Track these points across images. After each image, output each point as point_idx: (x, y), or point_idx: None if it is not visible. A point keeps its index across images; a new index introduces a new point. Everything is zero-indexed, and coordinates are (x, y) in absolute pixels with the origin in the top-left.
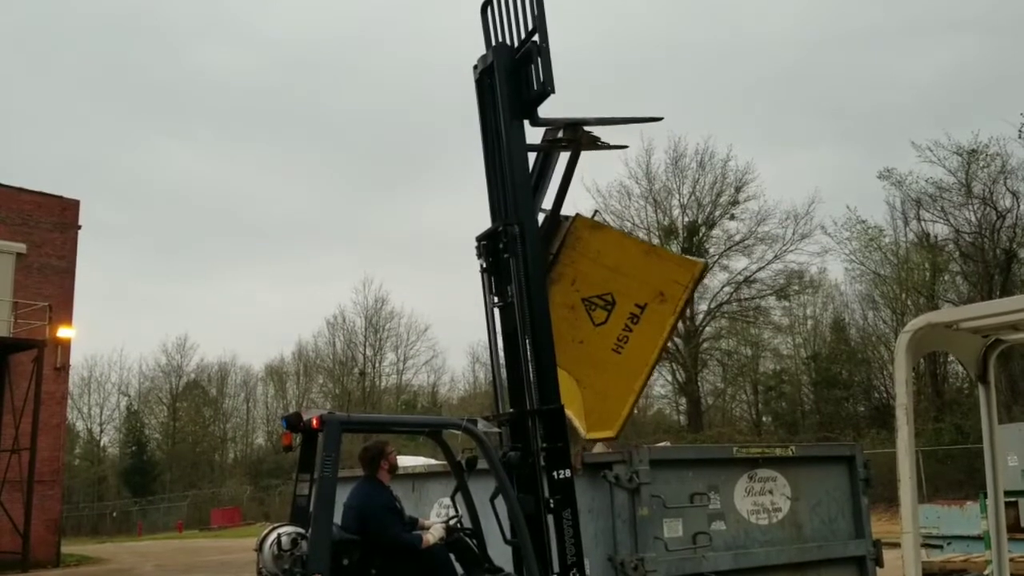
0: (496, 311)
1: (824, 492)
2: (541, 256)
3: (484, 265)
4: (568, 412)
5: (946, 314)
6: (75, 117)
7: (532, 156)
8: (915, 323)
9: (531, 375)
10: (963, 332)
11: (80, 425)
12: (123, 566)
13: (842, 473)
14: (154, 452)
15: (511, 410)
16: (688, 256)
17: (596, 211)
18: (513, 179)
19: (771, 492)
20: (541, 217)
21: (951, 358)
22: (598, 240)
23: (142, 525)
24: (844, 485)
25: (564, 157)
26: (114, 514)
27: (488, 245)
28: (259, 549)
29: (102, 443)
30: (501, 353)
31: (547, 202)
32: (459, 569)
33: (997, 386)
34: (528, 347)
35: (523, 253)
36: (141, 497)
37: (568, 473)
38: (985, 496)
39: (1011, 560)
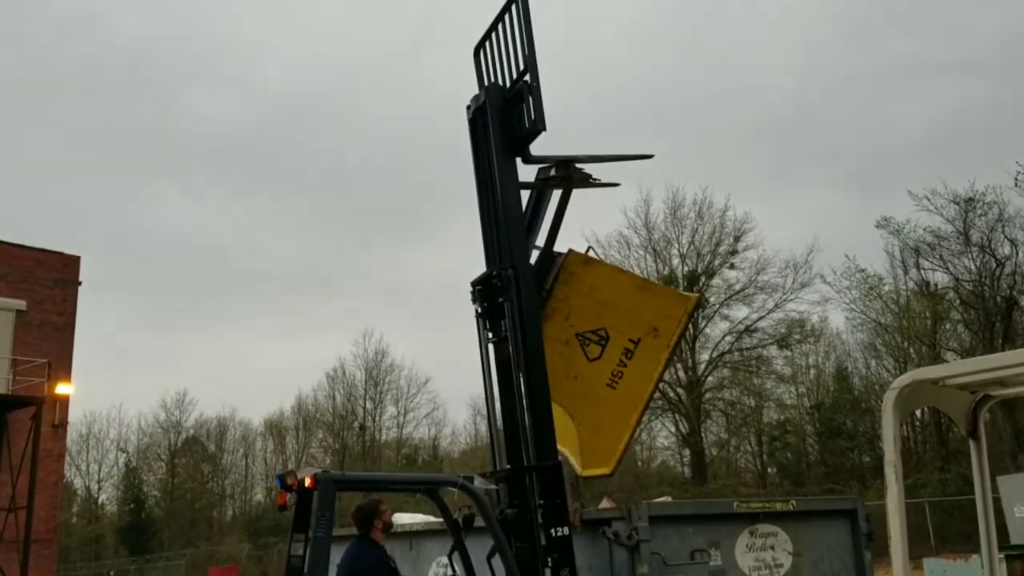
0: (491, 354)
1: (826, 547)
2: (535, 299)
3: (479, 310)
4: (563, 449)
5: (933, 371)
6: (65, 169)
7: (526, 195)
8: (901, 380)
9: (527, 421)
10: (951, 388)
11: (78, 482)
12: None
13: (844, 527)
14: (152, 509)
15: (508, 466)
16: (681, 291)
17: (589, 247)
18: (506, 217)
19: (772, 548)
20: (535, 254)
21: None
22: (591, 275)
23: None
24: (846, 539)
25: (557, 195)
26: (111, 573)
27: (483, 290)
28: None
29: (100, 500)
30: (498, 405)
31: (541, 239)
32: None
33: (1002, 436)
34: (523, 387)
35: (517, 296)
36: (139, 556)
37: (566, 531)
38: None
39: None
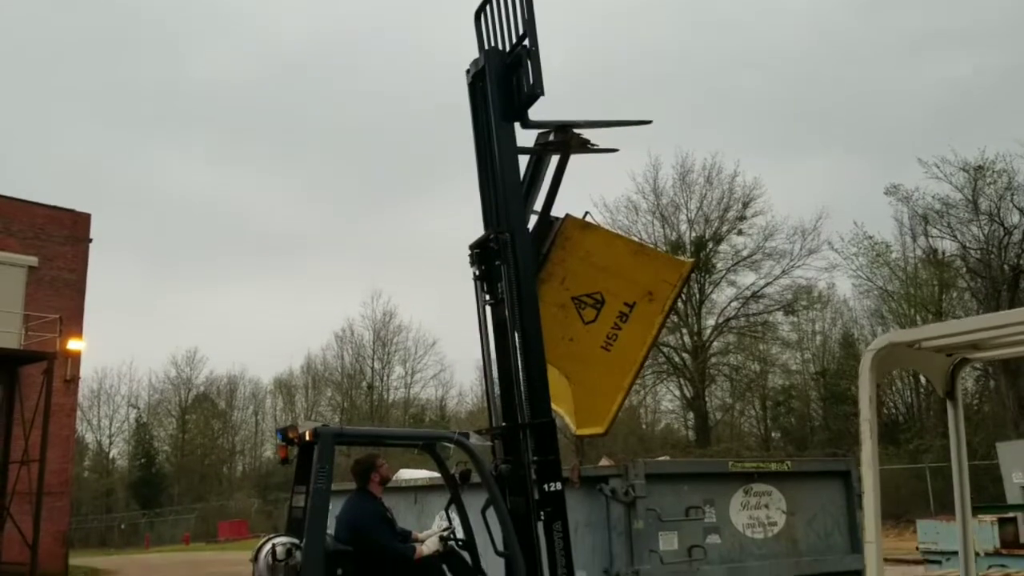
0: (488, 316)
1: (819, 507)
2: (532, 263)
3: (477, 272)
4: (558, 409)
5: (908, 334)
6: (76, 128)
7: (524, 160)
8: (878, 342)
9: (521, 381)
10: (927, 351)
11: (89, 437)
12: None
13: (837, 488)
14: (163, 464)
15: (503, 423)
16: (676, 256)
17: (587, 212)
18: (504, 182)
19: (767, 506)
20: (533, 219)
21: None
22: (588, 240)
23: (149, 537)
24: (839, 500)
25: (555, 160)
26: (122, 526)
27: (480, 253)
28: (255, 560)
29: (111, 455)
30: (495, 365)
31: (539, 204)
32: None
33: (1005, 403)
34: (518, 349)
35: (514, 260)
36: (149, 509)
37: (559, 486)
38: (983, 512)
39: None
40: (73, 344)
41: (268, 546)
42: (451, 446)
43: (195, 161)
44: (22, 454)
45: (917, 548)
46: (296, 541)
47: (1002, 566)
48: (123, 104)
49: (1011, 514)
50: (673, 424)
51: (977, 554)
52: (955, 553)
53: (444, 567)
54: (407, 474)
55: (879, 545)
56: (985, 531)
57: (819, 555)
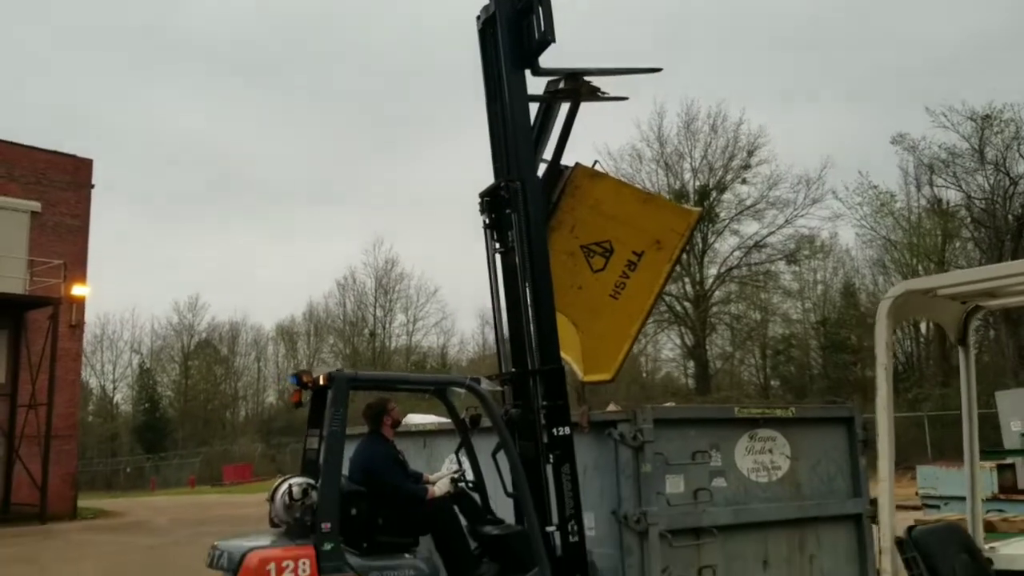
0: (499, 264)
1: (823, 452)
2: (542, 211)
3: (487, 221)
4: (566, 356)
5: (925, 282)
6: (75, 73)
7: (534, 108)
8: (895, 290)
9: (531, 329)
10: (942, 299)
11: (93, 382)
12: (138, 519)
13: (841, 434)
14: (166, 409)
15: (513, 370)
16: (684, 205)
17: (596, 161)
18: (515, 130)
19: (771, 451)
20: (542, 167)
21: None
22: (597, 189)
23: (155, 481)
24: (843, 446)
25: (565, 108)
26: (127, 470)
27: (490, 201)
28: (271, 499)
29: (115, 400)
30: (504, 313)
31: (548, 152)
32: (463, 520)
33: (1005, 352)
34: (528, 297)
35: (524, 208)
36: (154, 453)
37: (567, 430)
38: (981, 458)
39: (1007, 520)
40: (77, 290)
41: (284, 486)
42: (461, 391)
43: (196, 108)
44: (29, 398)
45: (916, 493)
46: (311, 481)
47: (1000, 511)
48: (122, 49)
49: (1009, 460)
50: (673, 372)
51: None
52: (954, 498)
53: (455, 507)
54: (415, 419)
55: (891, 483)
56: (984, 477)
57: (822, 499)
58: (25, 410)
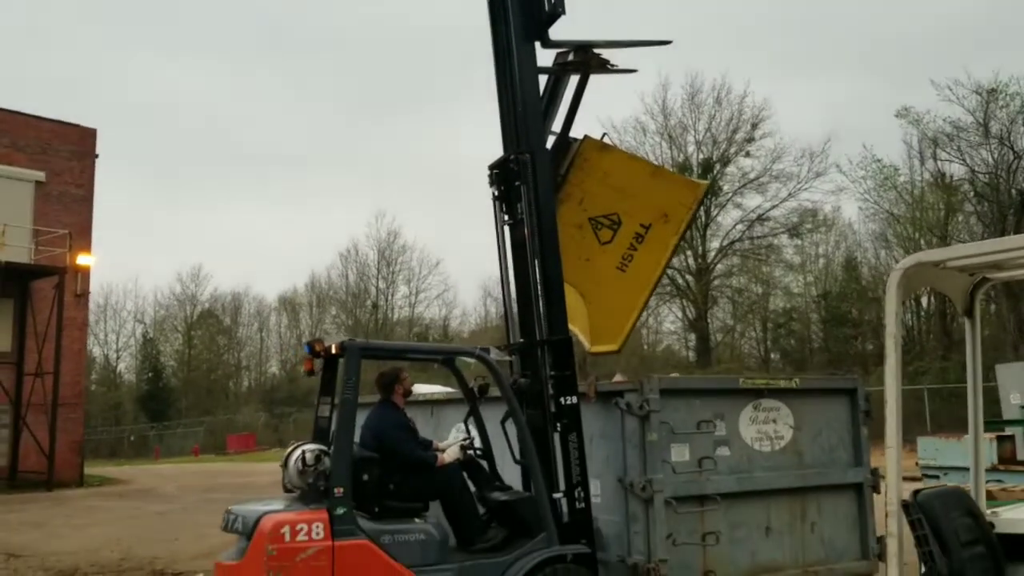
0: (507, 236)
1: (825, 423)
2: (550, 183)
3: (496, 193)
4: (573, 327)
5: (935, 254)
6: (76, 42)
7: (543, 80)
8: (906, 261)
9: (540, 300)
10: (951, 271)
11: (97, 352)
12: (144, 487)
13: (844, 405)
14: (170, 379)
15: (521, 340)
16: (692, 178)
17: (605, 133)
18: (524, 102)
19: (775, 421)
20: (551, 140)
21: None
22: (606, 161)
23: (159, 449)
24: (845, 416)
25: (574, 81)
26: (131, 438)
27: (500, 174)
28: (284, 465)
29: (119, 369)
30: (513, 284)
31: (557, 125)
32: (471, 487)
33: (1006, 327)
34: (536, 268)
35: (533, 181)
36: (157, 422)
37: (575, 399)
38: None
39: (1005, 490)
40: (82, 259)
41: (298, 452)
42: (470, 361)
43: (198, 77)
44: (36, 367)
45: (917, 464)
46: (324, 448)
47: (999, 481)
48: (123, 19)
49: (1009, 431)
50: (674, 345)
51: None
52: (953, 469)
53: (464, 474)
54: (421, 388)
55: (899, 449)
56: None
57: (823, 468)
58: (31, 379)
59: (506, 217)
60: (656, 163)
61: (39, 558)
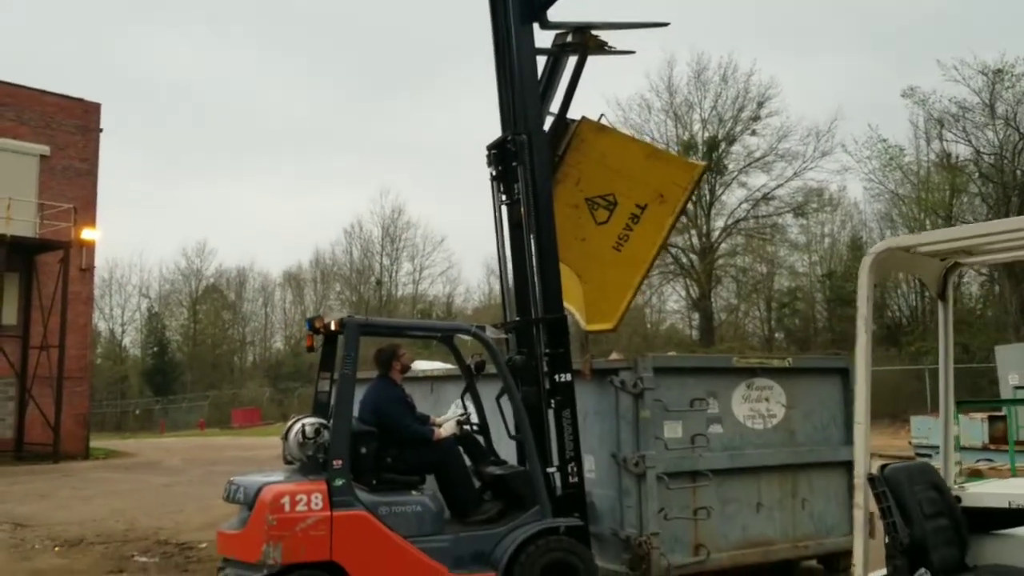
0: (504, 215)
1: (818, 401)
2: (547, 164)
3: (494, 173)
4: (569, 306)
5: (906, 240)
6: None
7: (542, 62)
8: (878, 247)
9: (535, 279)
10: (923, 256)
11: (102, 326)
12: (150, 459)
13: (836, 384)
14: (175, 353)
15: (517, 318)
16: (689, 159)
17: (602, 115)
18: (522, 83)
19: (767, 400)
20: (549, 120)
21: (965, 280)
22: (603, 142)
23: (164, 423)
24: (837, 395)
25: (573, 62)
26: (137, 412)
27: (497, 154)
28: (285, 438)
29: (124, 344)
30: (510, 263)
31: (556, 106)
32: (467, 461)
33: (1008, 308)
34: (533, 247)
35: (530, 161)
36: (163, 396)
37: (569, 377)
38: (973, 409)
39: (995, 468)
40: (87, 234)
41: (298, 425)
42: (467, 338)
43: (203, 52)
44: (41, 340)
45: (910, 443)
46: (323, 421)
47: (989, 460)
48: None
49: (1001, 412)
50: (678, 324)
51: (967, 448)
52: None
53: (460, 448)
54: (421, 365)
55: (867, 426)
56: (975, 427)
57: (815, 446)
58: (37, 352)
59: (503, 197)
60: (658, 142)
61: (45, 528)
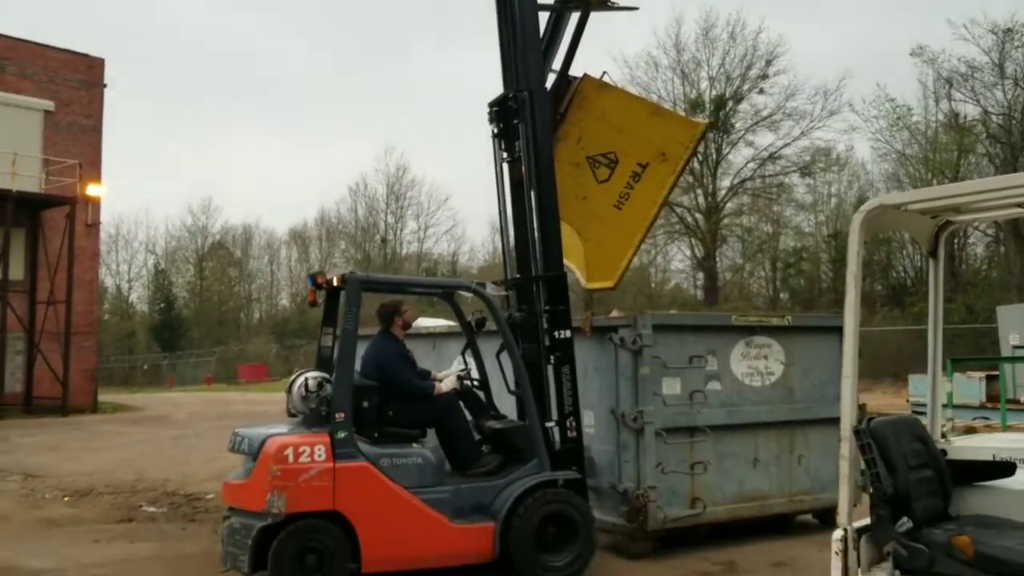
0: (506, 173)
1: (816, 359)
2: (548, 122)
3: (495, 131)
4: (570, 263)
5: (896, 197)
6: None
7: (544, 19)
8: (868, 204)
9: (535, 236)
10: (914, 214)
11: (109, 281)
12: (158, 413)
13: (834, 342)
14: (182, 310)
15: (518, 276)
16: (692, 117)
17: (604, 72)
18: (524, 40)
19: (766, 357)
20: (552, 78)
21: (971, 240)
22: (605, 100)
23: (172, 378)
24: (835, 353)
25: (575, 19)
26: (145, 367)
27: (499, 111)
28: (288, 391)
29: (131, 299)
30: (511, 221)
31: (558, 63)
32: (468, 415)
33: (1012, 269)
34: (533, 205)
35: (531, 119)
36: (170, 352)
37: (568, 333)
38: (958, 365)
39: (989, 426)
40: (92, 189)
41: (301, 379)
42: (468, 295)
43: (206, 7)
44: (48, 295)
45: (907, 401)
46: (326, 375)
47: (985, 418)
48: None
49: (997, 372)
50: (682, 284)
51: (965, 406)
52: (943, 406)
53: (460, 403)
54: (425, 322)
55: (854, 380)
56: (972, 386)
57: (812, 403)
58: (44, 307)
59: (504, 155)
60: (665, 101)
61: (55, 479)
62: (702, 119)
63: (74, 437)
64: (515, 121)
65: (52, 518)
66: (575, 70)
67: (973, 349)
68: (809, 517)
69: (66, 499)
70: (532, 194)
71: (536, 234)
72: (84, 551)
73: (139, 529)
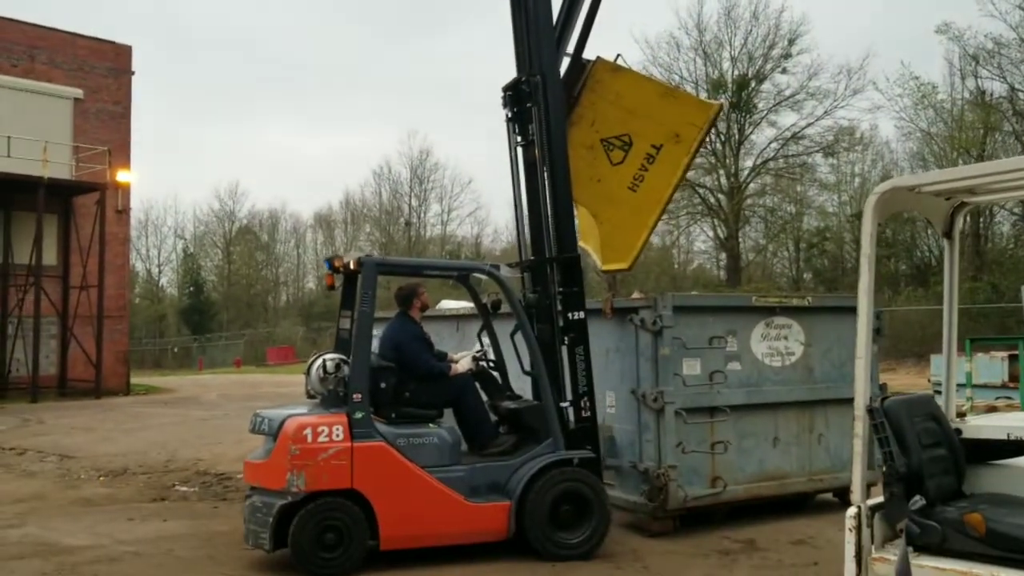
0: (520, 156)
1: (836, 339)
2: (562, 105)
3: (509, 114)
4: (586, 246)
5: (910, 179)
6: None
7: (558, 2)
8: (882, 186)
9: (550, 220)
10: (928, 195)
11: (139, 266)
12: (189, 395)
13: (854, 322)
14: (210, 293)
15: (532, 258)
16: (709, 99)
17: (618, 55)
18: (537, 24)
19: (786, 338)
20: (565, 61)
21: (997, 219)
22: (618, 82)
23: (202, 360)
24: (855, 333)
25: (588, 2)
26: (175, 350)
27: (513, 95)
28: (307, 373)
29: (161, 283)
30: (526, 204)
31: (572, 47)
32: (483, 395)
33: None
34: (547, 188)
35: (544, 102)
36: (200, 335)
37: (582, 315)
38: (976, 344)
39: (1011, 405)
40: (122, 176)
41: (319, 361)
42: (484, 277)
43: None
44: (81, 280)
45: (928, 380)
46: (344, 357)
47: (1008, 398)
48: None
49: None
50: (705, 264)
51: (987, 386)
52: (961, 385)
53: (476, 383)
54: (448, 304)
55: (867, 360)
56: (995, 366)
57: (832, 383)
58: (77, 292)
59: (519, 138)
60: (687, 81)
61: (90, 459)
62: (719, 99)
63: (108, 419)
64: (528, 104)
65: (88, 497)
66: (589, 53)
67: (999, 328)
68: (829, 496)
69: (101, 479)
70: (545, 177)
71: (550, 217)
72: (119, 529)
73: (171, 508)
